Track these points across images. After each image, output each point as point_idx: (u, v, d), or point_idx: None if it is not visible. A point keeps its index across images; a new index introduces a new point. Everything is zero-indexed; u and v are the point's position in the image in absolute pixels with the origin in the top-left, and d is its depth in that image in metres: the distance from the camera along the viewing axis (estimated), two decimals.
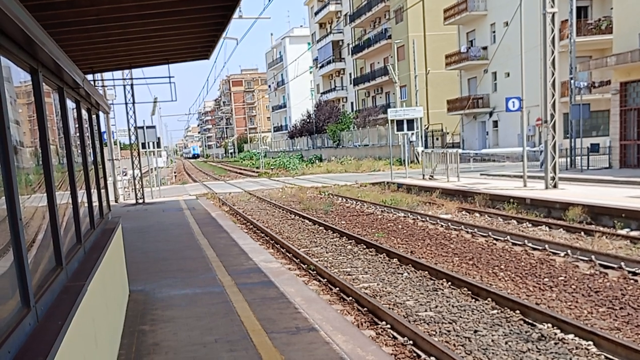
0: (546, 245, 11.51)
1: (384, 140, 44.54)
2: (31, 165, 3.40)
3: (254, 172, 51.34)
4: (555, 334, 6.80)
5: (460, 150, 29.66)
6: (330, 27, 77.34)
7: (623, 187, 17.60)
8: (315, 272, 10.81)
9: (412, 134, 31.67)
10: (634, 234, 12.41)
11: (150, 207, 21.62)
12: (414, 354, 6.50)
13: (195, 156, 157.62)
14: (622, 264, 9.63)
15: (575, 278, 9.36)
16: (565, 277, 9.47)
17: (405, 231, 14.92)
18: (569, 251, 10.88)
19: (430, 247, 12.72)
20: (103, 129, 23.99)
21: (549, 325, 7.05)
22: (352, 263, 11.48)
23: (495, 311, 7.83)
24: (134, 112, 23.83)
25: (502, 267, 10.44)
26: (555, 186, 18.42)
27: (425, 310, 8.07)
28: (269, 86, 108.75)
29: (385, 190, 25.66)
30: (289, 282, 8.47)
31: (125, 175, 29.84)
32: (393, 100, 51.43)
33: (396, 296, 8.87)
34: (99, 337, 4.45)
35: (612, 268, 9.68)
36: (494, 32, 43.74)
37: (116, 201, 24.77)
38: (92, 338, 4.13)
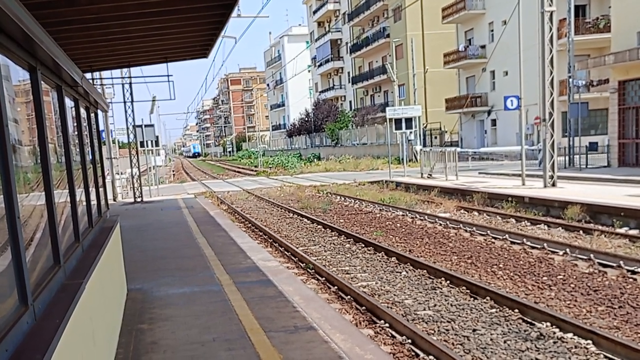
0: (545, 244, 11.52)
1: (383, 138, 44.55)
2: (29, 164, 3.40)
3: (252, 170, 51.31)
4: (554, 332, 6.80)
5: (458, 149, 29.69)
6: (329, 25, 77.33)
7: (622, 186, 17.61)
8: (313, 270, 10.81)
9: (411, 132, 31.67)
10: (632, 232, 12.42)
11: (148, 206, 21.60)
12: (413, 353, 6.50)
13: (195, 155, 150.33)
14: (621, 262, 9.63)
15: (574, 277, 9.36)
16: (564, 275, 9.48)
17: (403, 230, 14.92)
18: (567, 250, 10.89)
19: (428, 245, 12.72)
20: (101, 127, 23.95)
21: (548, 324, 7.05)
22: (350, 262, 11.48)
23: (494, 310, 7.83)
24: (133, 111, 23.80)
25: (501, 265, 10.44)
26: (553, 185, 18.42)
27: (424, 309, 8.07)
28: (268, 85, 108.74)
29: (383, 188, 25.66)
30: (287, 281, 8.46)
31: (123, 174, 29.80)
32: (391, 99, 51.49)
33: (395, 295, 8.87)
34: (97, 336, 4.44)
35: (611, 267, 9.69)
36: (492, 30, 43.77)
37: (114, 200, 24.74)
38: (90, 336, 4.12)
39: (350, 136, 55.23)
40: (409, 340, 6.76)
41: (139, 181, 23.90)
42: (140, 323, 6.76)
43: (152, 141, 24.87)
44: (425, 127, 47.69)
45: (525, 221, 14.74)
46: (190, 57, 16.29)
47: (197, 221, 15.95)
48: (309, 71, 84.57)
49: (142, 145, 24.60)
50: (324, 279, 10.14)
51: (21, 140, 3.20)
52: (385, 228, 15.37)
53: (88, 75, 18.97)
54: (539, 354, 6.28)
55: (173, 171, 60.93)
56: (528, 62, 23.49)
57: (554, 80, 18.22)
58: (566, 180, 20.05)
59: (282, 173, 42.94)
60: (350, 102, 72.74)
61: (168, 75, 22.68)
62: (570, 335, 6.68)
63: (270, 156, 65.99)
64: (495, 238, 12.90)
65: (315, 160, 55.78)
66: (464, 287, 8.88)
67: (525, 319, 7.37)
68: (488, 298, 8.23)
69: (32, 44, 3.12)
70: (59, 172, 4.27)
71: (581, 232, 12.93)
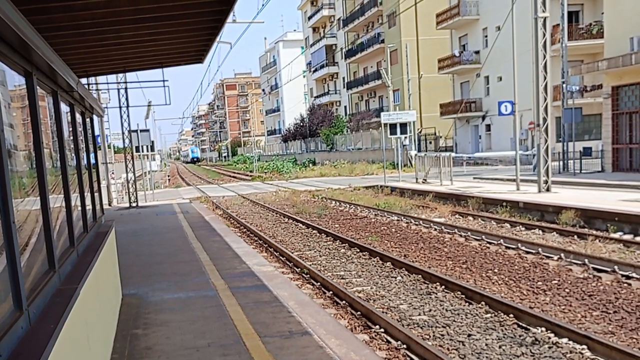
0: (539, 249, 11.54)
1: (378, 143, 44.61)
2: (25, 169, 3.39)
3: (247, 175, 51.28)
4: (549, 337, 6.82)
5: (453, 154, 29.71)
6: (324, 31, 77.50)
7: (616, 191, 17.68)
8: (308, 275, 10.80)
9: (405, 137, 31.76)
10: (627, 237, 12.46)
11: (143, 211, 21.55)
12: (408, 358, 6.50)
13: (194, 160, 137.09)
14: (616, 267, 9.67)
15: (569, 282, 9.39)
16: (559, 280, 9.50)
17: (398, 235, 14.93)
18: (562, 255, 10.92)
19: (423, 250, 12.73)
20: (97, 132, 23.91)
21: (543, 329, 7.06)
22: (345, 267, 11.48)
23: (488, 315, 7.84)
24: (128, 116, 23.79)
25: (496, 270, 10.46)
26: (548, 190, 18.49)
27: (419, 314, 8.07)
28: (263, 90, 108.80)
29: (378, 193, 25.68)
30: (282, 286, 8.46)
31: (119, 179, 29.74)
32: (386, 104, 51.56)
33: (390, 300, 8.87)
34: (91, 341, 4.43)
35: (606, 272, 9.72)
36: (486, 36, 43.93)
37: (110, 204, 24.68)
38: (84, 341, 4.11)
39: (345, 141, 55.30)
40: (404, 346, 6.75)
41: (134, 186, 23.85)
42: (135, 328, 6.74)
43: (147, 146, 24.84)
44: (420, 132, 47.82)
45: (520, 226, 14.77)
46: (186, 62, 16.30)
47: (193, 226, 15.92)
48: (304, 76, 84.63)
49: (137, 150, 24.57)
50: (319, 284, 10.14)
51: (17, 145, 3.20)
52: (380, 233, 15.38)
53: (84, 81, 18.95)
54: (534, 359, 6.29)
55: (168, 176, 60.77)
56: (522, 68, 23.61)
57: (547, 86, 18.31)
58: (560, 185, 20.11)
59: (277, 178, 42.93)
60: (345, 107, 72.86)
61: (164, 81, 22.64)
62: (565, 340, 6.69)
63: (266, 161, 65.95)
64: (490, 243, 12.92)
65: (310, 165, 55.83)
66: (459, 292, 8.89)
67: (521, 324, 7.38)
68: (483, 303, 8.24)
69: (27, 49, 3.13)
70: (54, 177, 4.26)
71: (575, 237, 12.97)
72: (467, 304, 8.44)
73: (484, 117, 45.52)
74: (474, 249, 12.53)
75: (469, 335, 7.10)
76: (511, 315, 7.62)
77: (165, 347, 6.00)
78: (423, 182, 25.78)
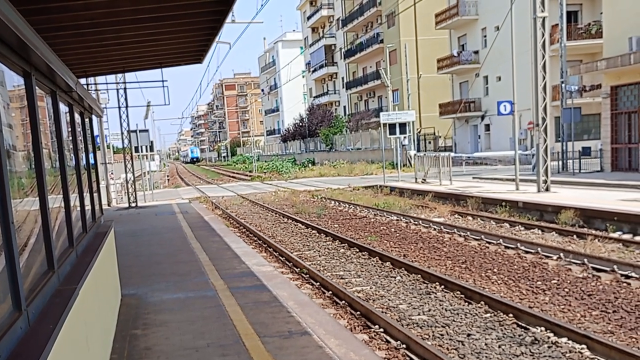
0: (539, 249, 11.54)
1: (377, 143, 44.62)
2: (24, 169, 3.39)
3: (247, 175, 51.27)
4: (549, 337, 6.82)
5: (452, 154, 29.72)
6: (323, 31, 77.52)
7: (615, 191, 17.69)
8: (308, 275, 10.80)
9: (405, 137, 31.77)
10: (626, 237, 12.46)
11: (143, 211, 21.55)
12: (407, 358, 6.49)
13: (193, 160, 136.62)
14: (615, 267, 9.67)
15: (568, 281, 9.39)
16: (558, 280, 9.50)
17: (398, 234, 14.93)
18: (561, 254, 10.91)
19: (423, 250, 12.73)
20: (96, 132, 23.92)
21: (542, 328, 7.06)
22: (345, 266, 11.47)
23: (488, 315, 7.84)
24: (127, 116, 23.81)
25: (495, 270, 10.46)
26: (547, 189, 18.49)
27: (419, 314, 8.07)
28: (262, 90, 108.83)
29: (378, 193, 25.68)
30: (281, 286, 8.46)
31: (118, 179, 29.73)
32: (385, 104, 51.56)
33: (389, 300, 8.87)
34: (90, 341, 4.43)
35: (605, 271, 9.71)
36: (485, 36, 43.96)
37: (109, 205, 24.67)
38: (84, 342, 4.11)
39: (344, 141, 55.30)
40: (404, 345, 6.75)
41: (133, 186, 23.84)
42: (134, 328, 6.74)
43: (146, 146, 24.84)
44: (419, 132, 47.81)
45: (519, 226, 14.77)
46: (185, 62, 16.30)
47: (192, 226, 15.92)
48: (303, 76, 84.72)
49: (136, 150, 24.57)
50: (318, 283, 10.14)
51: (15, 145, 3.20)
52: (379, 233, 15.38)
53: (82, 81, 18.95)
54: (533, 358, 6.29)
55: (167, 176, 60.77)
56: (521, 68, 23.59)
57: (546, 86, 18.32)
58: (559, 184, 20.12)
59: (277, 178, 42.93)
60: (345, 107, 72.86)
61: (162, 81, 22.65)
62: (564, 339, 6.69)
63: (265, 161, 65.93)
64: (489, 243, 12.92)
65: (309, 165, 55.83)
66: (458, 292, 8.89)
67: (520, 323, 7.38)
68: (482, 303, 8.24)
69: (26, 49, 3.13)
70: (53, 178, 4.26)
71: (575, 236, 12.98)
72: (466, 303, 8.44)
73: (483, 117, 45.54)
74: (474, 248, 12.53)
75: (469, 335, 7.10)
76: (510, 315, 7.62)
77: (164, 348, 6.00)
78: (422, 182, 25.78)
